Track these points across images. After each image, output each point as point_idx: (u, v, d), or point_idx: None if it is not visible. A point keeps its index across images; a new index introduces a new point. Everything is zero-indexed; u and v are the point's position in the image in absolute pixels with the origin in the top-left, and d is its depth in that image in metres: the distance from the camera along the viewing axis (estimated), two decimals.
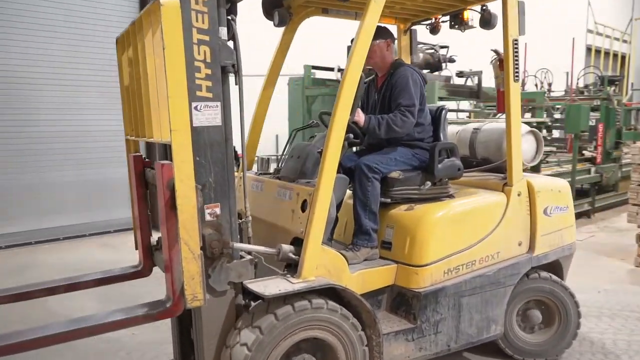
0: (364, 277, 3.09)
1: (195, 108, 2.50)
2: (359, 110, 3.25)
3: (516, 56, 3.38)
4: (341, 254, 2.94)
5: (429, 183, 3.34)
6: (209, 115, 2.55)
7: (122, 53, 3.07)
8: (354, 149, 3.91)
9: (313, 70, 8.49)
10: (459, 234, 3.27)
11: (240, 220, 2.86)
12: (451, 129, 4.27)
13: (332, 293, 2.77)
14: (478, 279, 3.30)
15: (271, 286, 2.62)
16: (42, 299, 3.06)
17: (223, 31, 2.59)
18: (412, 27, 4.17)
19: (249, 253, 2.75)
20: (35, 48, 7.37)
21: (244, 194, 2.86)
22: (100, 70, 7.78)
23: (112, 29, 7.50)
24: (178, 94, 2.26)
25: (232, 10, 2.73)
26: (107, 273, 3.17)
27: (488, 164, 3.90)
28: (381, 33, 3.44)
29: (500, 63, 3.65)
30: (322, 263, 2.82)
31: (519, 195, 3.49)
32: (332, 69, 8.58)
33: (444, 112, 3.58)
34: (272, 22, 3.57)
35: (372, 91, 3.64)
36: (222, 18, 2.58)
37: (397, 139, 3.39)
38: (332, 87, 8.20)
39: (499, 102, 3.66)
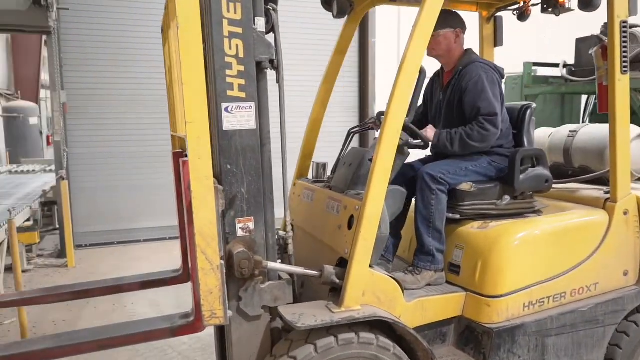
0: (424, 305, 2.63)
1: (226, 109, 2.21)
2: (430, 126, 2.82)
3: (624, 42, 2.73)
4: (395, 278, 2.50)
5: (507, 197, 2.80)
6: (241, 117, 2.25)
7: (164, 42, 2.87)
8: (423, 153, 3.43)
9: (534, 68, 7.95)
10: (545, 260, 2.70)
11: (282, 235, 2.54)
12: (543, 132, 3.65)
13: (384, 325, 2.35)
14: (569, 316, 2.70)
15: (307, 315, 2.26)
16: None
17: (260, 22, 2.27)
18: (496, 14, 3.60)
19: (291, 275, 2.42)
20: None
21: (284, 206, 2.53)
22: None
23: None
24: (194, 81, 1.96)
25: None
26: (147, 277, 3.05)
27: (586, 173, 3.25)
28: (449, 20, 2.94)
29: (603, 51, 3.01)
30: (371, 289, 2.41)
31: (625, 214, 2.84)
32: (556, 65, 7.76)
33: (529, 112, 3.00)
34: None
35: (436, 89, 3.15)
36: (258, 7, 2.27)
37: None
38: (555, 85, 7.61)
39: (600, 99, 3.01)
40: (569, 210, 2.94)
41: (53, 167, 6.44)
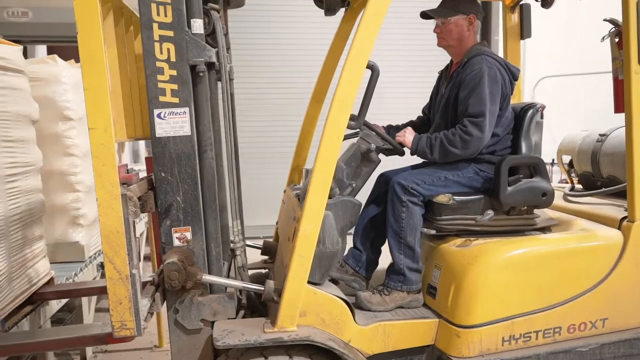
0: (386, 331, 2.36)
1: (159, 116, 2.16)
2: (409, 129, 2.53)
3: None
4: (345, 299, 2.27)
5: (490, 212, 2.42)
6: (175, 123, 2.18)
7: None
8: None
9: None
10: (535, 287, 2.30)
11: (232, 246, 2.43)
12: (576, 135, 3.14)
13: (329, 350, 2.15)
14: (562, 356, 2.27)
15: (237, 333, 2.13)
16: None
17: (196, 24, 2.19)
18: (522, 1, 3.16)
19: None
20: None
21: (237, 215, 2.42)
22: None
23: None
24: (95, 87, 1.91)
25: None
26: None
27: (615, 185, 2.72)
28: (461, 5, 2.59)
29: (619, 38, 2.48)
30: (314, 309, 2.21)
31: None
32: None
33: (530, 112, 2.56)
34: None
35: (442, 84, 2.81)
36: (195, 9, 2.18)
37: None
38: None
39: (617, 96, 2.46)
40: (578, 228, 2.48)
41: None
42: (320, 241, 2.22)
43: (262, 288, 2.29)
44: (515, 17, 3.18)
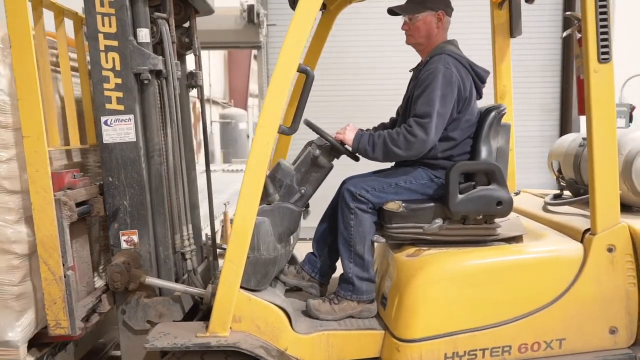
0: (330, 341, 2.31)
1: (105, 122, 2.25)
2: (350, 126, 2.45)
3: (603, 20, 2.04)
4: (282, 307, 2.25)
5: (438, 221, 2.29)
6: (120, 130, 2.26)
7: None
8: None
9: None
10: (481, 302, 2.16)
11: (180, 250, 2.47)
12: (567, 139, 2.90)
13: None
14: None
15: (170, 336, 2.16)
16: None
17: (143, 33, 2.25)
18: None
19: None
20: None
21: (187, 220, 2.46)
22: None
23: None
24: (28, 97, 2.00)
25: (162, 8, 2.37)
26: None
27: None
28: (429, 1, 2.48)
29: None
30: (249, 316, 2.21)
31: (610, 250, 2.12)
32: None
33: (491, 115, 2.39)
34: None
35: (410, 83, 2.70)
36: (142, 18, 2.25)
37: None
38: None
39: (579, 97, 2.22)
40: (538, 239, 2.29)
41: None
42: (255, 247, 2.22)
43: (203, 292, 2.33)
44: (503, 15, 3.00)
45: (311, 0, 2.07)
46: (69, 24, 2.44)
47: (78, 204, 2.20)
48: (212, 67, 15.73)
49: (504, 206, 2.26)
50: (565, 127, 7.39)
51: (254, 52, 7.63)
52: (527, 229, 2.43)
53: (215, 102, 16.25)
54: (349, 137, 2.40)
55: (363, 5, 3.27)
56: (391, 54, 6.91)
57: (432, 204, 2.34)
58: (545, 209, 2.68)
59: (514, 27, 2.99)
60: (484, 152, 2.36)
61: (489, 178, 2.29)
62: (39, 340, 2.23)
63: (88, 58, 2.28)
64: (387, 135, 2.32)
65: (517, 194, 2.93)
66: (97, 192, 2.36)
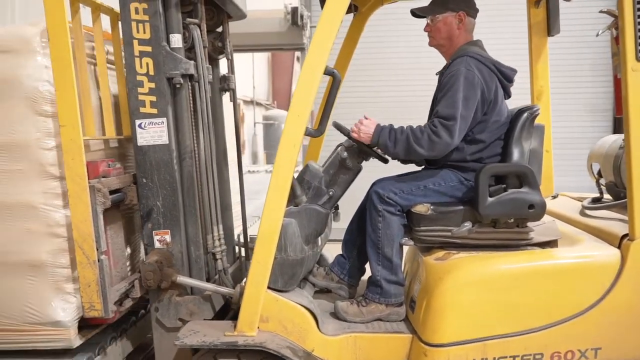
0: (357, 343, 2.31)
1: (139, 126, 2.32)
2: (371, 119, 2.41)
3: None
4: (310, 308, 2.26)
5: (467, 224, 2.25)
6: (154, 133, 2.33)
7: None
8: None
9: None
10: (512, 307, 2.11)
11: (211, 250, 2.51)
12: (607, 140, 2.79)
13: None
14: None
15: (200, 334, 2.21)
16: None
17: (175, 38, 2.31)
18: None
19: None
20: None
21: (217, 220, 2.50)
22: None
23: None
24: (64, 87, 2.09)
25: (194, 14, 2.42)
26: None
27: None
28: (450, 2, 2.45)
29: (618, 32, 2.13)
30: (276, 316, 2.23)
31: None
32: None
33: (523, 116, 2.33)
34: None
35: (438, 84, 2.67)
36: (173, 24, 2.31)
37: (439, 158, 2.40)
38: None
39: (617, 97, 2.11)
40: (576, 244, 2.22)
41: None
42: (282, 249, 2.24)
43: (232, 292, 2.37)
44: (540, 13, 2.91)
45: (338, 1, 2.08)
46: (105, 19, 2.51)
47: (112, 192, 2.28)
48: (256, 69, 16.01)
49: (536, 210, 2.20)
50: (618, 128, 7.07)
51: (297, 54, 7.70)
52: (563, 234, 2.35)
53: (258, 104, 16.55)
54: (370, 129, 2.34)
55: (396, 6, 3.24)
56: (427, 54, 6.81)
57: (461, 207, 2.31)
58: (582, 213, 2.59)
59: (551, 26, 2.90)
60: (515, 154, 2.30)
61: (521, 181, 2.23)
62: (86, 323, 2.31)
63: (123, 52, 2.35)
64: (411, 132, 2.29)
65: (554, 197, 2.85)
66: (131, 180, 2.45)
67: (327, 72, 2.17)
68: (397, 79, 7.25)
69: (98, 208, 2.19)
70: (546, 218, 2.37)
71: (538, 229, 2.33)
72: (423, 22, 2.57)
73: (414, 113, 6.71)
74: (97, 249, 2.19)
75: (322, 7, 2.89)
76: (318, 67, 2.10)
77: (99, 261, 2.19)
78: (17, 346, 2.23)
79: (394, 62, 7.22)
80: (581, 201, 2.72)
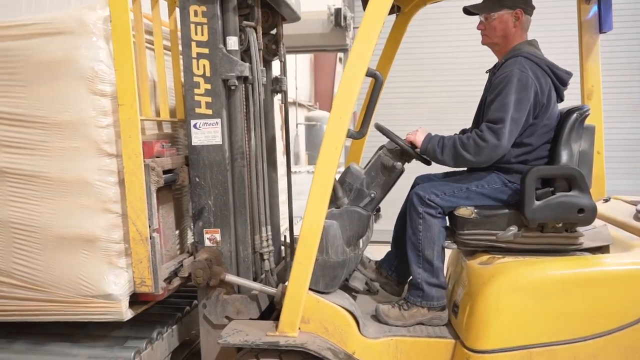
0: (398, 347, 2.29)
1: (194, 126, 2.37)
2: (421, 128, 2.41)
3: None
4: (350, 310, 2.26)
5: (513, 228, 2.19)
6: (208, 133, 2.38)
7: None
8: None
9: None
10: (559, 314, 2.04)
11: (259, 250, 2.55)
12: None
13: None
14: None
15: (242, 333, 2.24)
16: None
17: (232, 41, 2.35)
18: None
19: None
20: None
21: (266, 221, 2.53)
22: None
23: None
24: (124, 68, 2.17)
25: (251, 17, 2.46)
26: None
27: None
28: None
29: None
30: (317, 317, 2.24)
31: None
32: None
33: (573, 117, 2.25)
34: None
35: (488, 84, 2.61)
36: (230, 27, 2.35)
37: None
38: None
39: None
40: (629, 250, 2.13)
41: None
42: (324, 250, 2.24)
43: (274, 291, 2.39)
44: (592, 8, 2.80)
45: (381, 1, 2.06)
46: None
47: (165, 172, 2.35)
48: (299, 70, 16.12)
49: (587, 214, 2.12)
50: None
51: (340, 55, 7.72)
52: (615, 239, 2.26)
53: (301, 105, 16.65)
54: (419, 138, 2.37)
55: (442, 5, 3.20)
56: (472, 54, 6.68)
57: (506, 211, 2.26)
58: (637, 218, 2.47)
59: (603, 22, 2.79)
60: (564, 156, 2.23)
61: (570, 183, 2.16)
62: (136, 299, 2.38)
63: (179, 39, 2.40)
64: (458, 138, 2.27)
65: (606, 200, 2.74)
66: (183, 162, 2.51)
67: (369, 74, 2.17)
68: (438, 80, 7.11)
69: (152, 186, 2.27)
70: (597, 222, 2.28)
71: (588, 234, 2.25)
72: (463, 20, 2.51)
73: (455, 113, 6.67)
74: (150, 226, 2.27)
75: (364, 8, 2.92)
76: (360, 69, 2.09)
77: (150, 238, 2.27)
78: (71, 318, 2.32)
79: (434, 62, 7.09)
80: (635, 205, 2.61)
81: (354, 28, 7.22)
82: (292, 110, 16.12)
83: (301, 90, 16.77)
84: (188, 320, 2.82)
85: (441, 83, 7.13)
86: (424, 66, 7.10)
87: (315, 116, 16.46)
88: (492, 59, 2.55)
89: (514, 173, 2.29)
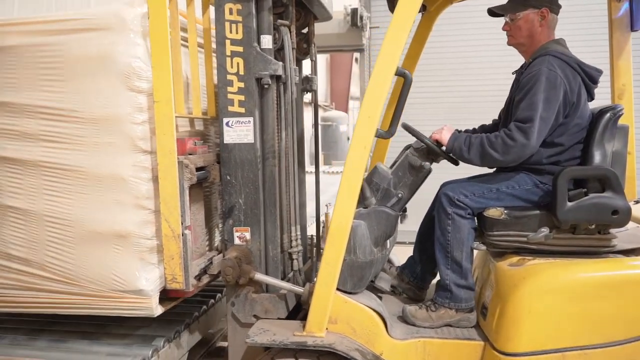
0: (426, 348, 2.28)
1: (227, 124, 2.36)
2: (447, 126, 2.39)
3: None
4: (378, 311, 2.25)
5: (544, 229, 2.16)
6: (240, 131, 2.37)
7: None
8: None
9: None
10: (593, 317, 2.01)
11: (288, 250, 2.54)
12: None
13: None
14: None
15: (270, 332, 2.24)
16: None
17: (266, 39, 2.35)
18: None
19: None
20: None
21: (293, 220, 2.52)
22: None
23: None
24: (161, 65, 2.18)
25: (285, 15, 2.46)
26: None
27: None
28: None
29: None
30: (345, 318, 2.23)
31: None
32: None
33: (606, 117, 2.21)
34: None
35: (513, 86, 2.58)
36: (265, 25, 2.34)
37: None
38: None
39: None
40: None
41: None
42: (352, 250, 2.23)
43: (301, 290, 2.38)
44: (622, 6, 2.75)
45: (411, 1, 2.05)
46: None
47: (197, 169, 2.36)
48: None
49: (621, 215, 2.08)
50: None
51: (356, 55, 7.69)
52: None
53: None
54: (445, 136, 2.35)
55: (465, 4, 3.17)
56: (494, 53, 6.62)
57: (538, 212, 2.23)
58: None
59: (635, 19, 2.74)
60: (597, 157, 2.19)
61: (603, 184, 2.12)
62: (165, 296, 2.39)
63: (213, 37, 2.42)
64: (486, 137, 2.24)
65: (637, 202, 2.69)
66: (214, 160, 2.51)
67: (399, 73, 2.15)
68: (454, 79, 7.09)
69: (185, 183, 2.27)
70: (630, 224, 2.24)
71: (622, 236, 2.22)
72: (485, 21, 2.48)
73: (477, 113, 6.55)
74: (182, 224, 2.27)
75: (390, 8, 2.89)
76: (389, 68, 2.08)
77: (182, 235, 2.27)
78: (102, 312, 2.34)
79: (452, 62, 7.06)
80: None
81: (370, 28, 7.21)
82: (308, 111, 16.08)
83: (317, 90, 16.70)
84: (205, 319, 2.83)
85: (458, 83, 7.09)
86: (443, 66, 7.05)
87: (331, 116, 16.40)
88: (511, 59, 2.52)
89: (546, 174, 2.26)
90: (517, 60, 2.55)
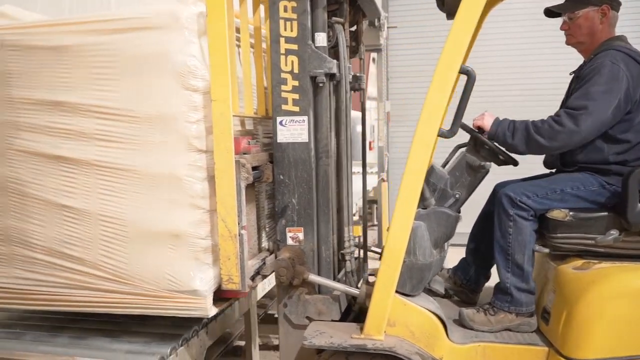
0: (486, 353, 2.22)
1: (280, 123, 2.33)
2: (488, 112, 2.32)
3: None
4: (438, 314, 2.20)
5: (613, 232, 2.09)
6: (294, 130, 2.33)
7: None
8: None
9: None
10: None
11: (342, 252, 2.50)
12: None
13: None
14: None
15: (327, 335, 2.20)
16: None
17: (320, 37, 2.31)
18: None
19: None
20: None
21: (347, 221, 2.48)
22: None
23: None
24: (219, 65, 2.15)
25: (339, 13, 2.42)
26: None
27: None
28: None
29: None
30: (403, 321, 2.18)
31: None
32: None
33: None
34: None
35: (571, 86, 2.52)
36: (319, 23, 2.30)
37: (576, 159, 2.26)
38: None
39: None
40: None
41: (375, 170, 7.27)
42: (411, 252, 2.18)
43: (356, 292, 2.33)
44: None
45: None
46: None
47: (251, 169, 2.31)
48: None
49: None
50: None
51: (373, 55, 7.61)
52: None
53: None
54: (488, 122, 2.29)
55: (520, 2, 3.12)
56: (550, 52, 6.52)
57: (605, 214, 2.15)
58: None
59: None
60: None
61: None
62: (217, 296, 2.35)
63: (263, 36, 2.40)
64: (531, 122, 2.19)
65: None
66: (267, 159, 2.46)
67: (462, 70, 2.10)
68: (509, 79, 7.06)
69: (242, 183, 2.22)
70: None
71: None
72: (540, 19, 2.42)
73: (524, 115, 6.47)
74: (239, 224, 2.23)
75: (440, 8, 2.83)
76: (453, 66, 2.03)
77: (239, 235, 2.22)
78: (156, 312, 2.31)
79: (505, 61, 7.02)
80: None
81: (387, 28, 7.14)
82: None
83: (365, 89, 16.61)
84: (223, 318, 2.77)
85: (515, 82, 7.04)
86: (502, 64, 7.01)
87: None
88: (572, 56, 2.44)
89: (612, 174, 2.19)
90: (578, 58, 2.48)
